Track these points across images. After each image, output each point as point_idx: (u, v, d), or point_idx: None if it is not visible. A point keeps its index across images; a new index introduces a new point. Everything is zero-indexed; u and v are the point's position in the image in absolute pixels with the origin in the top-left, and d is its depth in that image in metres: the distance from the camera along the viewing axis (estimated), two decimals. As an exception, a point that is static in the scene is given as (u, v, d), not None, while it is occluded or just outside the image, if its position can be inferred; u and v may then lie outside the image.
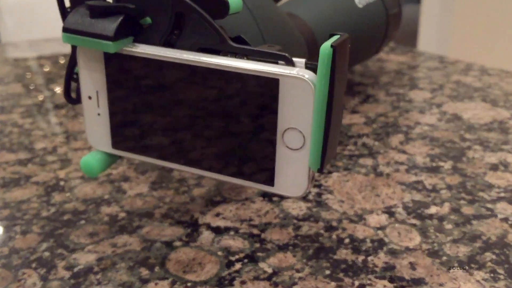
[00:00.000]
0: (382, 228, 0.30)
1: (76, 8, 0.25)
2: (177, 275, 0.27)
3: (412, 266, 0.27)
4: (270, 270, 0.27)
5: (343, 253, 0.28)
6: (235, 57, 0.24)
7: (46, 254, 0.29)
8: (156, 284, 0.26)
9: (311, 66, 0.23)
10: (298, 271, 0.27)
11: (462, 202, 0.33)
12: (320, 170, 0.23)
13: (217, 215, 0.32)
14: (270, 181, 0.24)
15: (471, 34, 1.98)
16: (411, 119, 0.47)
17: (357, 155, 0.40)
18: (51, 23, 1.06)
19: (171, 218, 0.32)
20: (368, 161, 0.39)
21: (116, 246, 0.29)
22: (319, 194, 0.34)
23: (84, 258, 0.28)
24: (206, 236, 0.30)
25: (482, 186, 0.35)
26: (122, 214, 0.32)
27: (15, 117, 0.50)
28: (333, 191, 0.35)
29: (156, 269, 0.27)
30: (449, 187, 0.35)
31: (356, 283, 0.26)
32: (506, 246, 0.29)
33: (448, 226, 0.31)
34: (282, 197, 0.34)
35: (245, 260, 0.28)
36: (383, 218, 0.31)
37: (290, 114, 0.23)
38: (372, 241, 0.29)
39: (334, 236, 0.30)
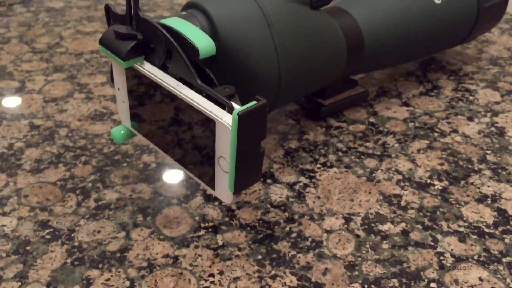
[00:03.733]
0: (329, 231, 0.37)
1: (111, 26, 0.34)
2: (158, 228, 0.37)
3: (324, 272, 0.34)
4: (220, 243, 0.36)
5: (282, 245, 0.36)
6: (200, 93, 0.31)
7: (89, 185, 0.41)
8: (141, 230, 0.37)
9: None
10: (239, 249, 0.35)
11: (418, 226, 0.37)
12: (235, 193, 0.30)
13: (216, 184, 0.41)
14: (214, 187, 0.32)
15: None
16: (452, 124, 0.48)
17: (368, 153, 0.45)
18: None
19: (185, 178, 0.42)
20: (372, 163, 0.43)
21: (135, 191, 0.40)
22: (305, 186, 0.41)
23: (109, 196, 0.40)
24: (197, 200, 0.39)
25: (451, 215, 0.38)
26: (153, 165, 0.43)
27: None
28: (318, 186, 0.41)
29: (148, 218, 0.38)
30: (420, 209, 0.39)
31: (272, 272, 0.34)
32: (416, 278, 0.33)
33: (385, 246, 0.36)
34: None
35: (210, 229, 0.37)
36: (337, 223, 0.37)
37: (222, 146, 0.30)
38: (312, 241, 0.36)
39: (287, 229, 0.37)
